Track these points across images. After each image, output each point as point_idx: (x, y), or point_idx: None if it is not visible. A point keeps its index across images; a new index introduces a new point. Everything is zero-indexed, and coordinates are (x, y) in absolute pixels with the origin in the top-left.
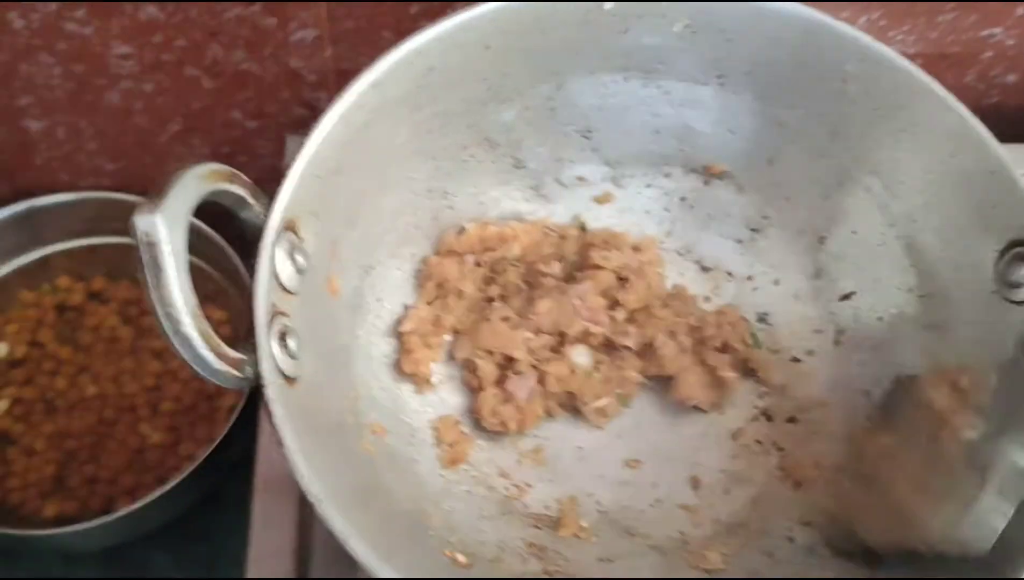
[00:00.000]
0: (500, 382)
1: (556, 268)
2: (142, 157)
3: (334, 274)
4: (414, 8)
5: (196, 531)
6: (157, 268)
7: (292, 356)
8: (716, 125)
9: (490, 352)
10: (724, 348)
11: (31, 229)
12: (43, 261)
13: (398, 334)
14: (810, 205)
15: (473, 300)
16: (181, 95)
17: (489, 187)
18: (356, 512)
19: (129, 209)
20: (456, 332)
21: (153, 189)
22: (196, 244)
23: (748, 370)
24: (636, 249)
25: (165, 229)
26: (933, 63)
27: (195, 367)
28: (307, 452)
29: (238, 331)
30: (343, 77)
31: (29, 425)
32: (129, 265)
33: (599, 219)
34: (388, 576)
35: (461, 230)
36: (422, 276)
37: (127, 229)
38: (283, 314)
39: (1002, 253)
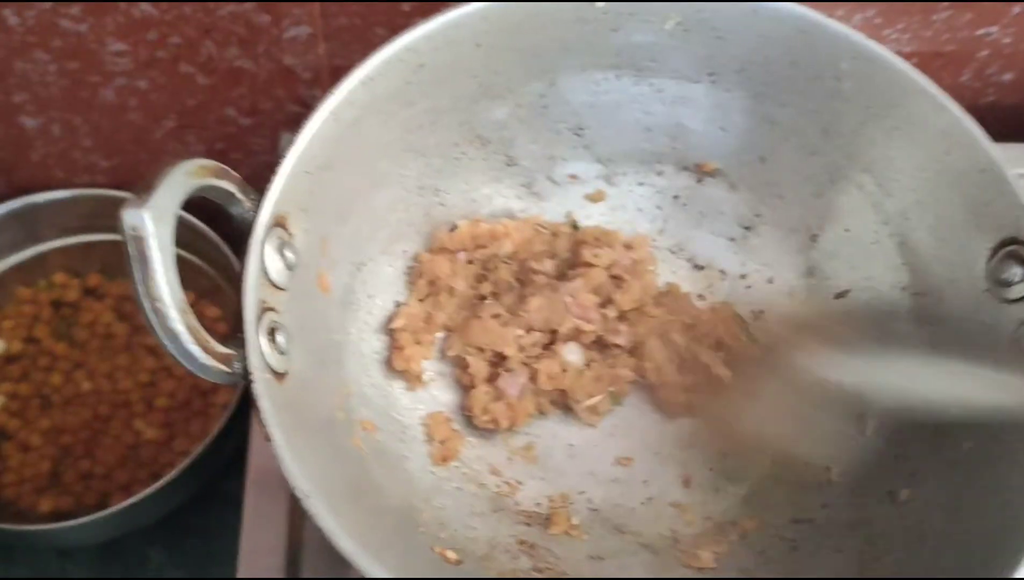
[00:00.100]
0: (491, 379)
1: (548, 265)
2: (137, 154)
3: (325, 270)
4: (407, 6)
5: (191, 527)
6: (144, 262)
7: (281, 351)
8: (708, 123)
9: (481, 349)
10: (718, 345)
11: (27, 226)
12: (39, 258)
13: (389, 331)
14: (803, 203)
15: (465, 297)
16: (175, 92)
17: (481, 184)
18: (345, 508)
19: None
20: (448, 329)
21: (142, 185)
22: (192, 241)
23: (742, 366)
24: (628, 247)
25: (152, 224)
26: (928, 62)
27: (182, 362)
28: (296, 448)
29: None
30: (337, 74)
31: (24, 421)
32: (124, 262)
33: (591, 217)
34: (376, 574)
35: (453, 227)
36: (414, 273)
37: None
38: (272, 310)
39: (994, 252)
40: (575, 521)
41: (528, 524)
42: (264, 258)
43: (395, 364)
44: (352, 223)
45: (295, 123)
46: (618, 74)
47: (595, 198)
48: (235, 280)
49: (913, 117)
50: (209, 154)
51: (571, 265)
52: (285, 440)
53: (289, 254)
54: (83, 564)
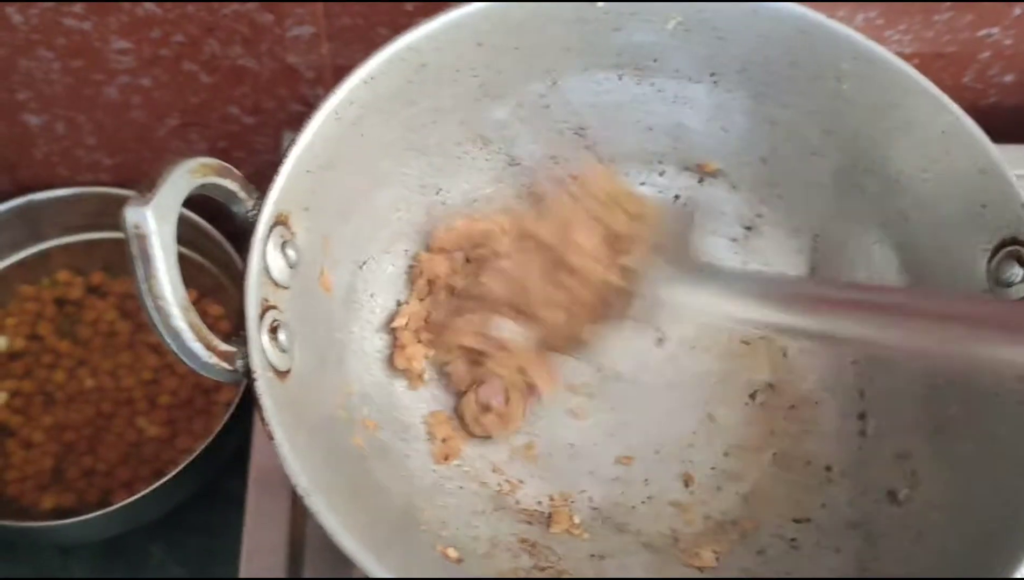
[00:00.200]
0: (477, 382)
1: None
2: (140, 152)
3: (327, 269)
4: (410, 5)
5: (193, 524)
6: (147, 261)
7: (283, 350)
8: (709, 123)
9: (459, 348)
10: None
11: (30, 224)
12: (42, 255)
13: (391, 330)
14: (804, 203)
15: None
16: (179, 90)
17: (482, 184)
18: (347, 507)
19: None
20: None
21: (144, 183)
22: (195, 239)
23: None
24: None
25: (155, 222)
26: (930, 62)
27: (185, 360)
28: (297, 446)
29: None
30: (339, 73)
31: (28, 418)
32: (127, 260)
33: None
34: (379, 573)
35: (449, 227)
36: (414, 272)
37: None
38: (274, 308)
39: (994, 252)
40: (576, 520)
41: (529, 523)
42: (266, 256)
43: (396, 363)
44: (354, 222)
45: (297, 122)
46: (619, 74)
47: None
48: (237, 278)
49: (914, 118)
50: (212, 152)
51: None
52: (287, 438)
53: (291, 252)
54: (85, 561)
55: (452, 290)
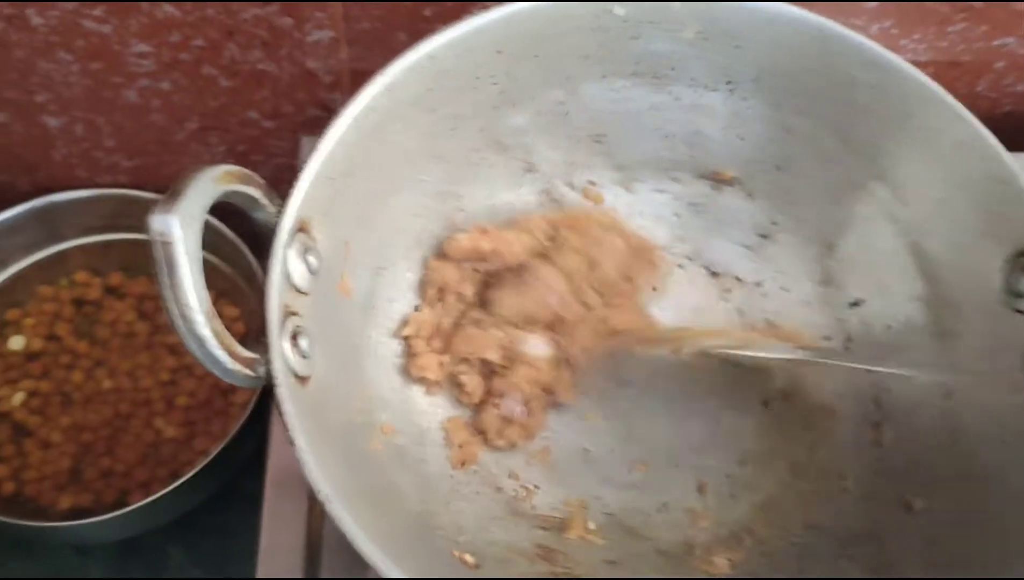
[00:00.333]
0: (489, 393)
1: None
2: (159, 155)
3: (346, 275)
4: (428, 10)
5: (210, 525)
6: (172, 268)
7: (304, 356)
8: (726, 131)
9: (469, 360)
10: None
11: (49, 224)
12: (61, 256)
13: (403, 338)
14: (819, 212)
15: (468, 306)
16: (198, 94)
17: (500, 190)
18: (365, 512)
19: (146, 206)
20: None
21: (169, 189)
22: (210, 241)
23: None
24: (601, 224)
25: (180, 229)
26: (944, 72)
27: (208, 366)
28: (317, 451)
29: (251, 328)
30: (358, 78)
31: (45, 418)
32: (146, 261)
33: None
34: (397, 576)
35: (458, 240)
36: (424, 280)
37: (144, 226)
38: (295, 314)
39: (1009, 263)
40: (591, 526)
41: (545, 529)
42: (287, 263)
43: (411, 372)
44: (373, 228)
45: (315, 126)
46: (637, 82)
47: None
48: (253, 280)
49: (930, 127)
50: (230, 156)
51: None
52: (308, 444)
53: (312, 259)
54: (102, 562)
55: (461, 297)
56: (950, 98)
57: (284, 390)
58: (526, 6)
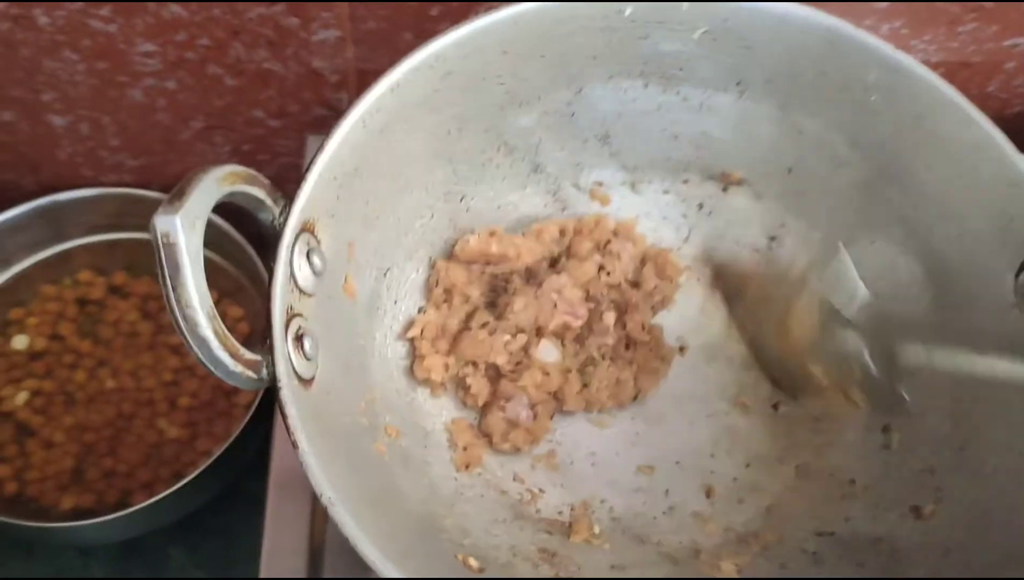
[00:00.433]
0: (495, 396)
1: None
2: (164, 154)
3: (351, 276)
4: (435, 10)
5: (212, 526)
6: (175, 269)
7: (308, 358)
8: (735, 132)
9: (475, 363)
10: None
11: (54, 223)
12: (65, 255)
13: (408, 339)
14: (828, 214)
15: (474, 308)
16: (204, 93)
17: (507, 191)
18: (369, 514)
19: (151, 205)
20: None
21: (173, 189)
22: (215, 241)
23: None
24: (616, 233)
25: (184, 230)
26: (955, 72)
27: (211, 368)
28: (321, 454)
29: (255, 328)
30: (364, 78)
31: (48, 417)
32: (150, 261)
33: None
34: (399, 578)
35: (466, 241)
36: (430, 281)
37: (148, 225)
38: (299, 315)
39: (1022, 266)
40: (596, 530)
41: (550, 532)
42: (292, 264)
43: (417, 373)
44: (378, 228)
45: (320, 126)
46: (645, 82)
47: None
48: (257, 280)
49: (941, 129)
50: (236, 155)
51: (563, 257)
52: (311, 447)
53: (316, 260)
54: (104, 562)
55: (467, 299)
56: (962, 100)
57: (287, 392)
58: (533, 6)
